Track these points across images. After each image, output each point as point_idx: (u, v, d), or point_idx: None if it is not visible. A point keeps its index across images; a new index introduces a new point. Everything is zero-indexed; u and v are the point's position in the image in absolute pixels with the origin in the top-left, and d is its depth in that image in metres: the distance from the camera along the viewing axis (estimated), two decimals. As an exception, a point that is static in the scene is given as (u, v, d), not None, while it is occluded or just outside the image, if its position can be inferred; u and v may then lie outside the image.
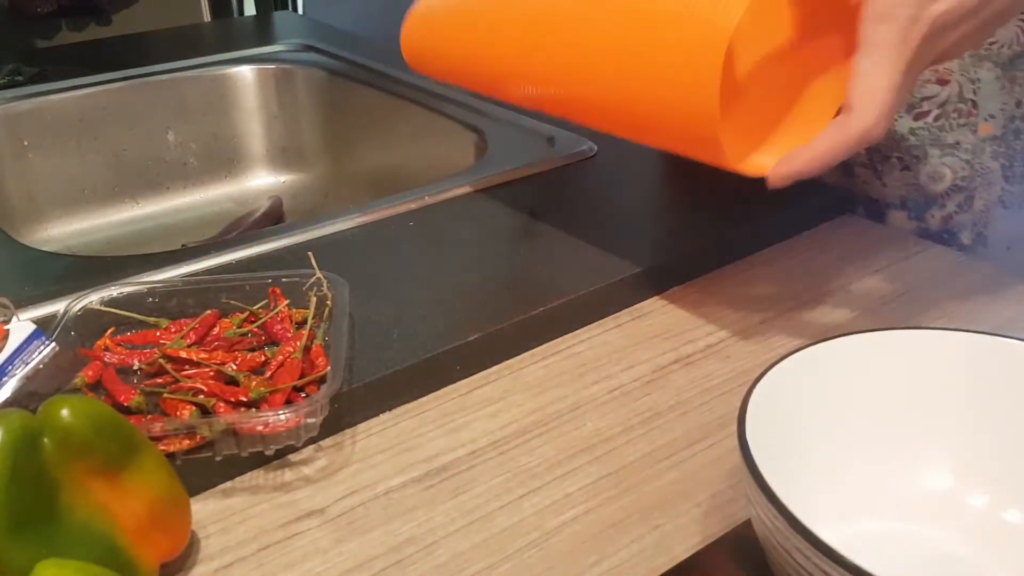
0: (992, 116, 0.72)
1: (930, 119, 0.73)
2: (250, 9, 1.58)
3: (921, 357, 0.45)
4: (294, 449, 0.49)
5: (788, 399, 0.43)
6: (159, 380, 0.50)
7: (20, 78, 1.05)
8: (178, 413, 0.47)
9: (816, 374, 0.44)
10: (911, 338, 0.46)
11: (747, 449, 0.38)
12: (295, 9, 2.01)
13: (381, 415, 0.52)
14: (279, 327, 0.54)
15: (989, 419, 0.44)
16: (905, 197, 0.76)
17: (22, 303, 0.58)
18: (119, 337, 0.54)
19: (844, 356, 0.45)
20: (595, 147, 0.84)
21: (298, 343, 0.51)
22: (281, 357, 0.51)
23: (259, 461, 0.48)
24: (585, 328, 0.60)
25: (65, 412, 0.37)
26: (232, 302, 0.56)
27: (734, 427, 0.51)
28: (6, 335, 0.49)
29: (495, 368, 0.56)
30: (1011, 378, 0.44)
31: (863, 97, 0.48)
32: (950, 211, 0.75)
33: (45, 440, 0.37)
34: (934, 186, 0.75)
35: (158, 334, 0.54)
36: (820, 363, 0.44)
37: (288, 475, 0.48)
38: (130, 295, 0.56)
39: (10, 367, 0.48)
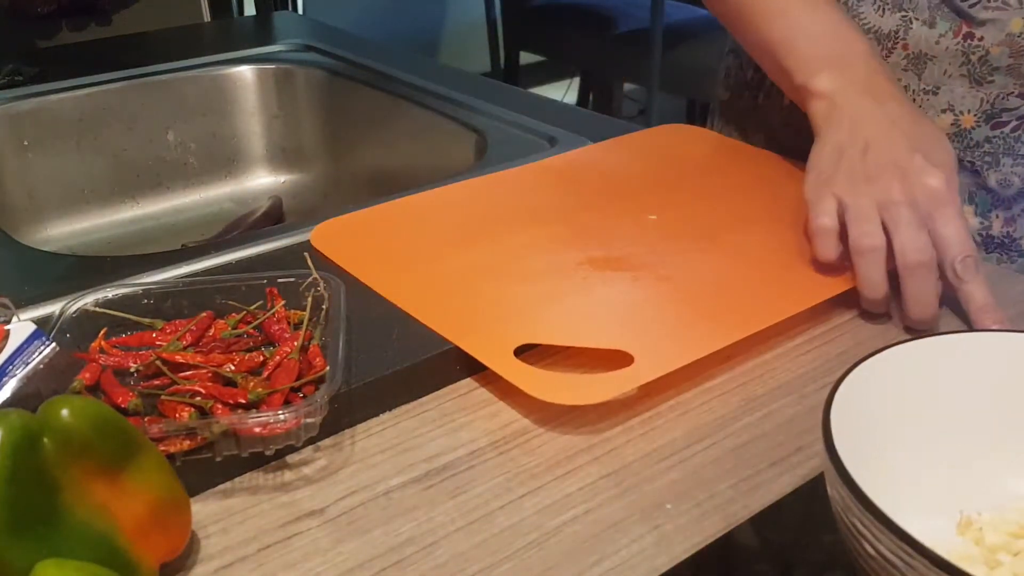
0: None
1: (1007, 129, 0.74)
2: (250, 9, 1.58)
3: (1007, 359, 0.45)
4: (294, 449, 0.49)
5: (871, 397, 0.42)
6: (156, 382, 0.50)
7: (20, 78, 1.04)
8: (177, 415, 0.47)
9: (899, 374, 0.44)
10: (997, 341, 0.46)
11: (833, 449, 0.37)
12: (295, 9, 2.01)
13: (381, 415, 0.52)
14: (276, 327, 0.54)
15: None
16: (973, 194, 0.76)
17: (22, 303, 0.58)
18: (115, 339, 0.54)
19: (926, 357, 0.45)
20: (595, 147, 0.84)
21: (295, 343, 0.51)
22: (278, 357, 0.51)
23: (259, 461, 0.48)
24: (585, 328, 0.60)
25: (65, 412, 0.38)
26: (228, 303, 0.56)
27: (733, 427, 0.51)
28: (6, 335, 0.49)
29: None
30: None
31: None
32: (1015, 213, 0.76)
33: (45, 440, 0.37)
34: (1002, 191, 0.76)
35: (154, 335, 0.54)
36: (902, 363, 0.44)
37: (288, 475, 0.48)
38: (125, 296, 0.56)
39: (10, 367, 0.48)
